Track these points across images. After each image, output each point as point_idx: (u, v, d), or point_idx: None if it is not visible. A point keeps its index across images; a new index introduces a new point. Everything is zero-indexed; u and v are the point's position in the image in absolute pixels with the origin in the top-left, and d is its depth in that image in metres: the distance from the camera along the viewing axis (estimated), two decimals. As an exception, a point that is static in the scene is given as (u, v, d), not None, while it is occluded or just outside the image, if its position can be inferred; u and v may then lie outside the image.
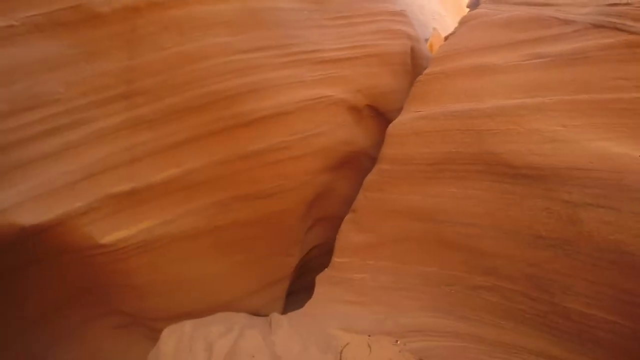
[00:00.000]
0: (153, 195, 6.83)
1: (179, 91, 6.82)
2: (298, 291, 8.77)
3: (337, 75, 7.99)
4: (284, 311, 8.06)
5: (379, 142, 8.44)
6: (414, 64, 9.76)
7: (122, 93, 6.69)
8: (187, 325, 6.63)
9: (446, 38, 9.42)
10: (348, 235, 7.25)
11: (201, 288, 7.44)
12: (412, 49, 9.65)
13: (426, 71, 8.20)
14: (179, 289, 7.41)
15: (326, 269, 7.23)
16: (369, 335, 6.19)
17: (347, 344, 5.95)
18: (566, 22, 6.70)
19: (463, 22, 8.77)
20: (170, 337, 6.64)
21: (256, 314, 7.75)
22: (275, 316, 6.32)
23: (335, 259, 7.20)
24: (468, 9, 9.40)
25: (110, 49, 6.59)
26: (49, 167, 6.42)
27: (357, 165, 8.59)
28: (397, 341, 6.24)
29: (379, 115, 8.96)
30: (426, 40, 11.97)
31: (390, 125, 7.67)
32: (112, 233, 6.76)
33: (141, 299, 7.47)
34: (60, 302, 7.61)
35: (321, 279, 7.11)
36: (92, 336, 7.98)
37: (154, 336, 8.04)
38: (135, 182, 6.73)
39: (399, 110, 8.65)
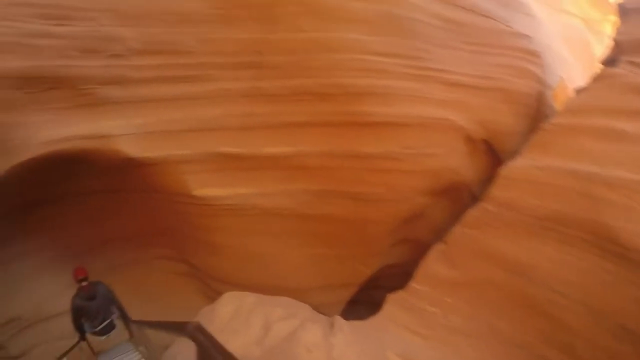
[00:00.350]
0: (256, 166, 6.90)
1: (307, 75, 6.81)
2: (358, 301, 8.56)
3: (461, 101, 7.71)
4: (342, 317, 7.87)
5: (484, 180, 8.08)
6: (537, 110, 9.25)
7: (251, 62, 6.80)
8: (250, 297, 6.62)
9: (577, 91, 8.85)
10: (434, 265, 6.96)
11: (272, 267, 7.43)
12: (539, 94, 9.16)
13: (552, 121, 7.72)
14: (251, 261, 7.45)
15: (400, 290, 6.97)
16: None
17: (400, 373, 5.69)
18: None
19: (597, 79, 8.19)
20: (230, 303, 6.66)
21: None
22: (339, 320, 6.15)
23: (414, 285, 6.92)
24: (603, 65, 8.74)
25: (248, 19, 6.71)
26: (164, 109, 6.73)
27: (456, 196, 8.27)
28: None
29: (491, 152, 8.58)
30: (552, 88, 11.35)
31: (504, 166, 7.29)
32: (207, 188, 6.91)
33: (213, 256, 7.62)
34: (134, 234, 8.09)
35: (393, 299, 6.86)
36: (150, 273, 8.42)
37: (209, 295, 8.34)
38: (243, 148, 6.82)
39: (512, 153, 8.23)
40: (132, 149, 6.55)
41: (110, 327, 5.83)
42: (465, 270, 6.78)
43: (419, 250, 7.99)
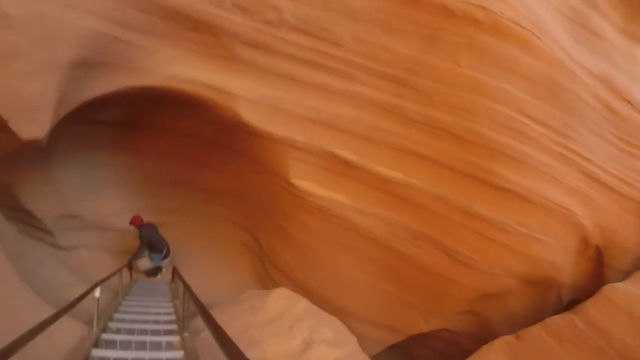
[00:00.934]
0: (364, 180, 6.59)
1: (449, 111, 6.35)
2: (395, 345, 8.11)
3: (591, 198, 6.99)
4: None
5: (578, 288, 7.46)
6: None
7: (399, 77, 6.42)
8: (303, 303, 6.29)
9: None
10: (497, 356, 6.34)
11: (339, 284, 7.12)
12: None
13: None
14: (321, 269, 7.19)
15: None
16: None
17: None
18: None
19: None
20: (281, 300, 6.38)
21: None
22: None
23: None
24: None
25: (412, 33, 6.32)
26: (295, 91, 6.56)
27: (544, 292, 7.56)
28: None
29: (599, 263, 7.77)
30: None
31: (611, 285, 6.54)
32: (307, 181, 6.70)
33: (285, 247, 7.48)
34: (218, 190, 8.60)
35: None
36: (219, 230, 8.77)
37: (263, 279, 8.47)
38: (357, 158, 6.53)
39: (620, 272, 7.46)
40: (250, 115, 6.44)
41: (168, 254, 7.99)
42: (527, 377, 6.13)
43: (483, 328, 7.41)
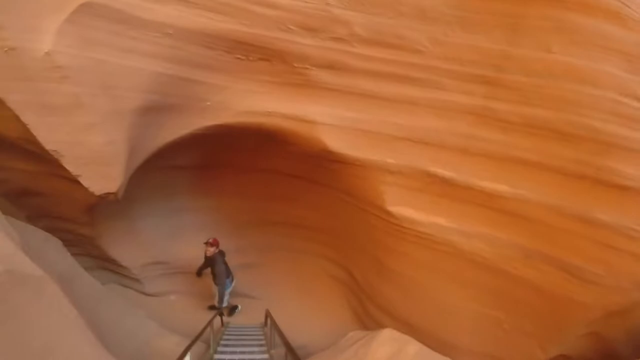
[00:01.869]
0: (466, 198, 5.88)
1: (548, 105, 5.67)
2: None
3: None
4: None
5: None
6: None
7: (486, 77, 5.80)
8: (413, 346, 5.50)
9: None
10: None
11: (443, 316, 6.36)
12: None
13: None
14: (424, 301, 6.48)
15: None
16: None
17: None
18: None
19: None
20: (389, 343, 5.60)
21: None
22: None
23: None
24: None
25: (492, 26, 5.72)
26: (379, 108, 6.04)
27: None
28: None
29: None
30: None
31: None
32: (404, 207, 6.06)
33: (383, 280, 6.82)
34: (305, 224, 8.03)
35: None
36: (308, 265, 8.36)
37: (360, 316, 7.76)
38: (456, 174, 5.88)
39: None
40: (335, 141, 5.81)
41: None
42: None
43: (604, 351, 6.71)
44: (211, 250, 7.06)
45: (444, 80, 5.89)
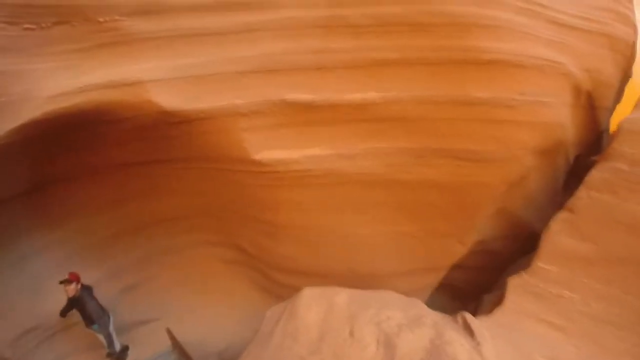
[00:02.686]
0: (334, 118, 5.25)
1: (397, 0, 5.16)
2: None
3: (568, 44, 6.26)
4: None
5: (580, 144, 7.33)
6: (629, 61, 7.92)
7: None
8: (342, 295, 4.98)
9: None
10: (560, 238, 5.49)
11: (348, 249, 5.86)
12: (634, 43, 7.82)
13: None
14: (324, 244, 5.89)
15: (522, 272, 5.47)
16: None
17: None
18: None
19: None
20: (315, 303, 5.03)
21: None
22: (473, 321, 4.58)
23: (540, 264, 5.43)
24: None
25: None
26: (214, 46, 5.08)
27: (554, 162, 6.82)
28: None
29: (591, 108, 7.16)
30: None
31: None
32: (270, 150, 5.27)
33: (274, 240, 6.02)
34: (171, 216, 6.64)
35: (517, 285, 5.37)
36: (195, 261, 7.00)
37: (267, 287, 7.00)
38: (317, 95, 5.17)
39: (608, 110, 7.68)
40: (169, 99, 4.90)
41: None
42: (601, 244, 5.38)
43: (513, 225, 6.79)
44: (72, 289, 5.56)
45: None
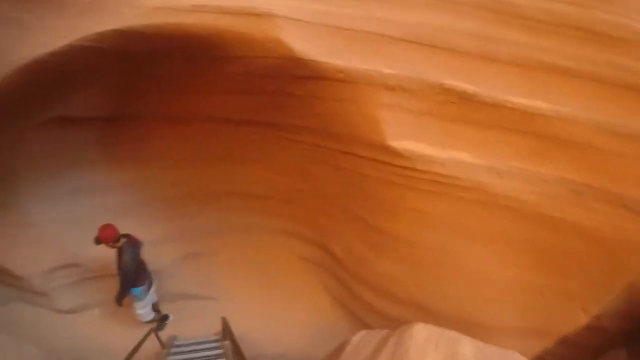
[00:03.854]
0: (491, 122, 4.18)
1: (577, 2, 4.37)
2: None
3: None
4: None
5: None
6: None
7: None
8: (467, 347, 3.59)
9: None
10: None
11: (463, 285, 4.57)
12: None
13: None
14: (441, 272, 4.59)
15: None
16: None
17: None
18: None
19: None
20: (434, 350, 3.65)
21: None
22: None
23: None
24: None
25: None
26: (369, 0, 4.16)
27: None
28: None
29: None
30: None
31: None
32: (412, 140, 4.09)
33: (377, 251, 4.88)
34: (261, 194, 5.86)
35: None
36: (269, 248, 6.14)
37: (346, 302, 5.76)
38: (480, 88, 4.06)
39: None
40: (305, 44, 3.82)
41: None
42: None
43: None
44: (112, 245, 4.74)
45: (444, -31, 4.18)
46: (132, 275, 4.78)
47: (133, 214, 5.65)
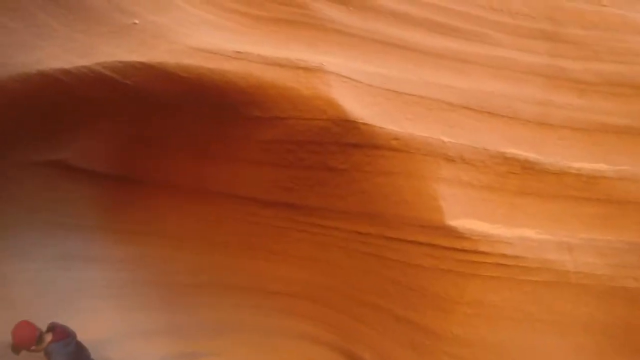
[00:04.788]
0: (555, 192, 3.82)
1: (621, 59, 4.24)
2: None
3: None
4: None
5: None
6: None
7: (544, 31, 4.26)
8: None
9: None
10: None
11: None
12: None
13: None
14: None
15: None
16: None
17: None
18: None
19: None
20: None
21: None
22: None
23: None
24: None
25: None
26: (411, 63, 3.87)
27: None
28: None
29: None
30: None
31: None
32: (472, 218, 3.57)
33: (423, 356, 3.89)
34: (279, 287, 4.90)
35: None
36: (283, 354, 4.95)
37: None
38: (543, 155, 3.70)
39: None
40: (357, 106, 3.40)
41: None
42: None
43: None
44: (35, 348, 3.54)
45: (494, 35, 4.03)
46: None
47: (127, 296, 4.74)
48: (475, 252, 3.53)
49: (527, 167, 3.72)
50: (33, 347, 3.50)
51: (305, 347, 4.84)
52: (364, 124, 3.32)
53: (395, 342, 4.17)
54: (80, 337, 4.16)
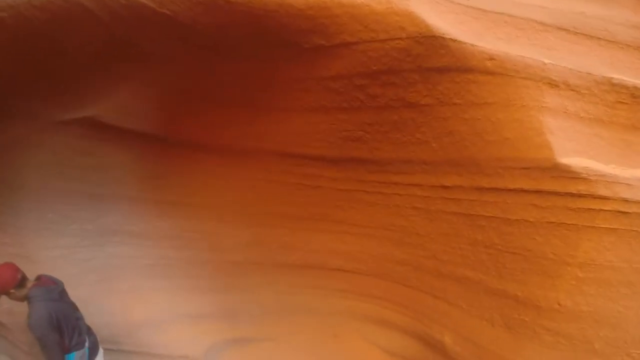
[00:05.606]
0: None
1: None
2: None
3: None
4: None
5: None
6: None
7: None
8: None
9: None
10: None
11: None
12: None
13: None
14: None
15: None
16: None
17: None
18: None
19: None
20: None
21: None
22: None
23: None
24: None
25: None
26: None
27: None
28: None
29: None
30: None
31: None
32: (584, 156, 3.02)
33: (519, 338, 3.21)
34: (341, 263, 4.34)
35: None
36: (343, 338, 4.46)
37: None
38: None
39: None
40: (443, 23, 2.87)
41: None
42: None
43: None
44: (15, 294, 3.17)
45: None
46: (52, 337, 3.12)
47: (172, 275, 4.29)
48: (593, 196, 2.89)
49: (637, 96, 3.12)
50: (12, 291, 3.13)
51: (371, 331, 4.20)
52: (453, 39, 2.79)
53: (484, 321, 3.47)
54: (121, 320, 3.69)
